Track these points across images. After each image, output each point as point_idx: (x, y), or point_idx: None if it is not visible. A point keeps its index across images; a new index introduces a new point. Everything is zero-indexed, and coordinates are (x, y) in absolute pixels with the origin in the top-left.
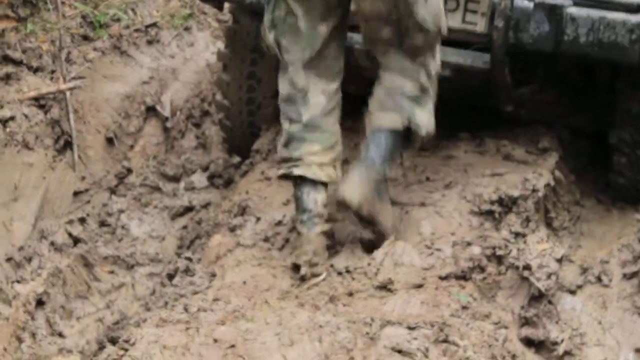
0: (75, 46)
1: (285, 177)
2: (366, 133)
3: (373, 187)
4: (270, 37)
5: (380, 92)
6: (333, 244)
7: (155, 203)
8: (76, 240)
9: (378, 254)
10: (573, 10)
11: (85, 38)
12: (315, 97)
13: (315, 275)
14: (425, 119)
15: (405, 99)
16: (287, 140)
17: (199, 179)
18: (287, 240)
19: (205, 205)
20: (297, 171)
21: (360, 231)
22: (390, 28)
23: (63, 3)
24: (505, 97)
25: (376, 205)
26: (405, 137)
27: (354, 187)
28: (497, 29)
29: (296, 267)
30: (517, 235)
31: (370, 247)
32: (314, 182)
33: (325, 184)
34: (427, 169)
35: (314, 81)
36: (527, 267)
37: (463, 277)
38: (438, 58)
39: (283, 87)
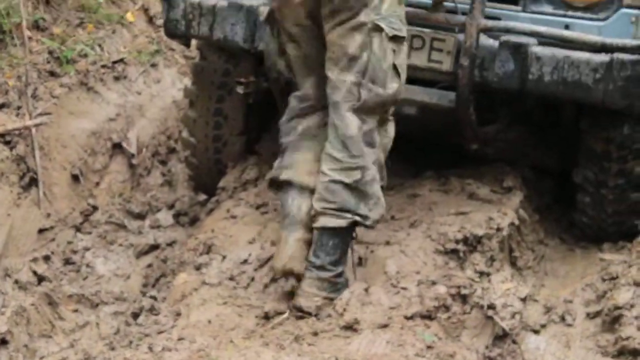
0: (41, 82)
1: (273, 182)
2: (313, 227)
3: (328, 288)
4: (281, 63)
5: (321, 188)
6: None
7: (120, 241)
8: (40, 279)
9: (345, 293)
10: (538, 49)
11: (52, 74)
12: (314, 111)
13: (279, 314)
14: (369, 208)
15: (346, 193)
16: (281, 152)
17: (165, 216)
18: (252, 279)
19: (171, 243)
20: (284, 175)
21: None
22: (355, 72)
23: (30, 38)
24: (470, 135)
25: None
26: (354, 227)
27: (309, 297)
28: (462, 68)
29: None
30: (481, 274)
31: None
32: (301, 188)
33: (312, 191)
34: (392, 208)
35: (318, 98)
36: (491, 307)
37: (428, 316)
38: (390, 133)
39: (292, 104)
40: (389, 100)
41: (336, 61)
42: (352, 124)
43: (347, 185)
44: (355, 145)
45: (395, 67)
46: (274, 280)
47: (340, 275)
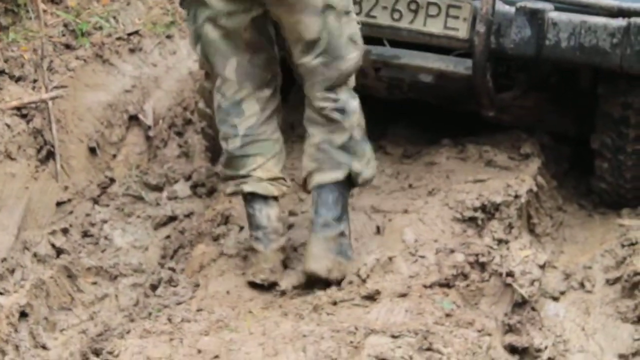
0: (57, 55)
1: (234, 194)
2: (309, 189)
3: (335, 249)
4: (197, 50)
5: (311, 150)
6: (288, 257)
7: (138, 213)
8: (59, 251)
9: (365, 261)
10: (554, 14)
11: (68, 47)
12: (249, 106)
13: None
14: (363, 165)
15: (337, 151)
16: (227, 160)
17: (182, 188)
18: None
19: (189, 215)
20: (247, 188)
21: None
22: (319, 55)
23: (45, 11)
24: (487, 102)
25: (344, 265)
26: (349, 182)
27: (318, 258)
28: (478, 34)
29: (253, 285)
30: (499, 241)
31: None
32: (266, 198)
33: (276, 198)
34: (410, 176)
35: (248, 87)
36: (510, 274)
37: (447, 284)
38: (355, 96)
39: (216, 102)
40: (352, 70)
41: (294, 44)
42: (326, 99)
43: (337, 146)
44: (335, 114)
45: (351, 38)
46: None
47: (343, 234)
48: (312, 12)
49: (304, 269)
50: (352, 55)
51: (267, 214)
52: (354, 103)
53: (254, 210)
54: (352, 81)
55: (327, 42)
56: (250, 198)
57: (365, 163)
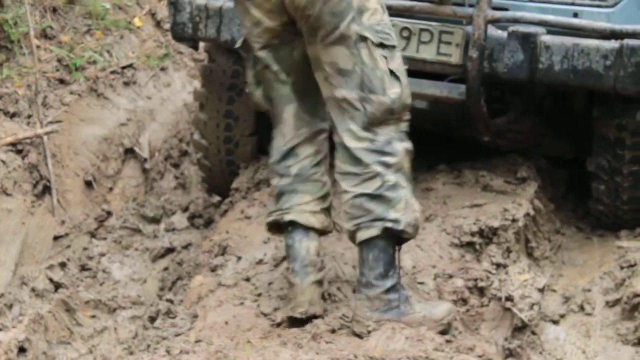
0: (51, 90)
1: (275, 224)
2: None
3: (381, 307)
4: (257, 94)
5: (346, 207)
6: (324, 291)
7: (135, 245)
8: (57, 286)
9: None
10: (547, 38)
11: (62, 82)
12: (304, 149)
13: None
14: (399, 213)
15: (372, 203)
16: (277, 195)
17: (179, 219)
18: (269, 280)
19: (186, 246)
20: (288, 217)
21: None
22: (352, 87)
23: (38, 47)
24: (482, 127)
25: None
26: (391, 236)
27: (361, 323)
28: (471, 60)
29: (293, 320)
30: (498, 266)
31: None
32: (306, 229)
33: (317, 231)
34: None
35: (304, 133)
36: (509, 298)
37: None
38: (405, 139)
39: (274, 142)
40: (396, 107)
41: (328, 79)
42: (362, 139)
43: (370, 196)
44: (369, 157)
45: (392, 72)
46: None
47: (390, 290)
48: (344, 43)
49: (349, 330)
50: (394, 90)
51: (307, 247)
52: (397, 146)
53: (293, 241)
54: (402, 124)
55: (361, 75)
56: (291, 229)
57: (403, 208)
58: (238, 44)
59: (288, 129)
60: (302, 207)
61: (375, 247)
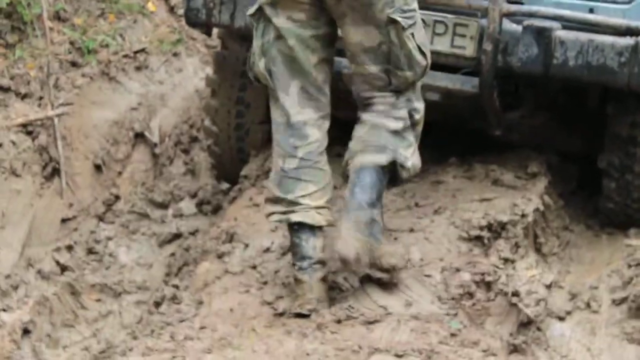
0: (63, 72)
1: (280, 222)
2: (349, 174)
3: (366, 232)
4: (260, 65)
5: (361, 131)
6: (329, 287)
7: (143, 230)
8: (63, 268)
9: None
10: (562, 33)
11: (74, 64)
12: (312, 132)
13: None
14: (409, 153)
15: (388, 135)
16: (280, 179)
17: (187, 205)
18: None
19: (194, 232)
20: (295, 217)
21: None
22: (379, 63)
23: (51, 29)
24: (494, 121)
25: (375, 250)
26: (391, 172)
27: (348, 242)
28: (485, 53)
29: (301, 316)
30: (506, 261)
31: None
32: (313, 228)
33: (322, 228)
34: (416, 195)
35: (310, 113)
36: (516, 294)
37: (453, 304)
38: (421, 99)
39: (276, 118)
40: (418, 78)
41: (354, 56)
42: (387, 104)
43: (389, 130)
44: (396, 111)
45: (418, 48)
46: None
47: (374, 221)
48: (375, 25)
49: (334, 249)
50: (421, 65)
51: (314, 245)
52: (419, 104)
53: (301, 240)
54: (420, 84)
55: (387, 52)
56: (298, 228)
57: (413, 152)
58: (251, 11)
59: (291, 103)
60: (308, 202)
61: (375, 174)
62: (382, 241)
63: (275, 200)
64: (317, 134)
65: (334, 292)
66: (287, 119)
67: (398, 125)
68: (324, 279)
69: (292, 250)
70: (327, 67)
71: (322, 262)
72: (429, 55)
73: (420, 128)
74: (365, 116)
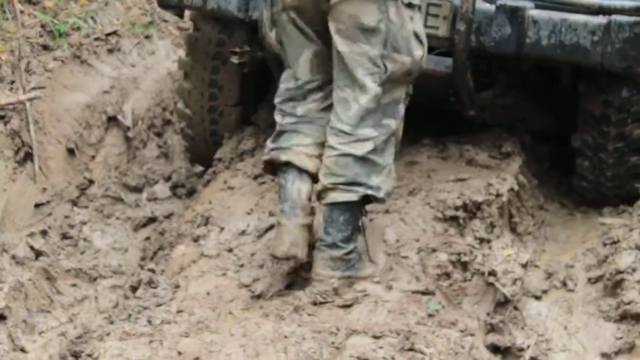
0: (34, 56)
1: (270, 164)
2: (322, 203)
3: (342, 267)
4: (272, 35)
5: (329, 161)
6: (314, 241)
7: (117, 214)
8: (38, 253)
9: None
10: (535, 12)
11: (45, 48)
12: (313, 94)
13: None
14: (382, 178)
15: (356, 165)
16: (277, 133)
17: (162, 189)
18: (251, 251)
19: (168, 216)
20: (284, 157)
21: None
22: (376, 45)
23: (22, 12)
24: (467, 101)
25: (354, 280)
26: (365, 202)
27: (324, 281)
28: (459, 33)
29: (274, 258)
30: (481, 241)
31: None
32: (300, 171)
33: (311, 176)
34: None
35: (319, 80)
36: (492, 273)
37: (430, 284)
38: (401, 107)
39: (285, 84)
40: (415, 68)
41: (348, 33)
42: (372, 97)
43: (357, 158)
44: (373, 117)
45: (416, 34)
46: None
47: (352, 252)
48: (373, 1)
49: (310, 289)
50: (417, 52)
51: (299, 188)
52: (401, 109)
53: (286, 181)
54: (410, 86)
55: (386, 33)
56: (285, 169)
57: (386, 175)
58: None
59: (302, 72)
60: (301, 149)
61: (348, 211)
62: (363, 267)
63: (269, 152)
64: (318, 94)
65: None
66: (295, 86)
67: (365, 148)
68: (304, 227)
69: (278, 193)
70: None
71: (304, 208)
72: (426, 46)
73: (399, 134)
74: (332, 140)
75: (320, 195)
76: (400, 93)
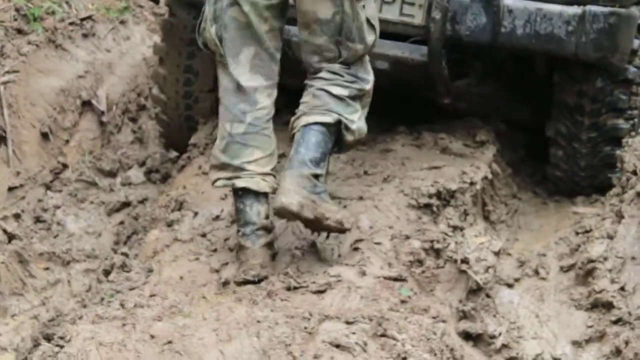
0: (8, 40)
1: (224, 187)
2: (293, 132)
3: (309, 187)
4: (212, 31)
5: (306, 97)
6: (275, 253)
7: (91, 199)
8: (11, 237)
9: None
10: (510, 2)
11: (20, 32)
12: (262, 99)
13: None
14: (355, 117)
15: (332, 100)
16: (226, 144)
17: (136, 174)
18: (225, 236)
19: (142, 201)
20: (240, 183)
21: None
22: (330, 35)
23: None
24: (442, 89)
25: (318, 206)
26: (336, 133)
27: (290, 194)
28: (434, 21)
29: (246, 283)
30: (455, 228)
31: None
32: (257, 194)
33: (266, 195)
34: (365, 163)
35: (260, 81)
36: (465, 261)
37: (403, 271)
38: (370, 71)
39: (225, 84)
40: (367, 52)
41: (306, 26)
42: (334, 76)
43: (334, 95)
44: (344, 75)
45: (368, 21)
46: None
47: (318, 177)
48: None
49: (274, 205)
50: (370, 38)
51: (258, 211)
52: (368, 76)
53: (245, 206)
54: (366, 57)
55: (340, 23)
56: (242, 194)
57: (359, 117)
58: None
59: (241, 70)
60: (253, 168)
61: (321, 134)
62: (326, 200)
63: (221, 167)
64: (266, 101)
65: (283, 258)
66: (236, 84)
67: (343, 92)
68: (268, 246)
69: (236, 216)
70: (278, 35)
71: (266, 229)
72: (378, 28)
73: (368, 99)
74: (311, 83)
75: (293, 125)
76: (358, 66)
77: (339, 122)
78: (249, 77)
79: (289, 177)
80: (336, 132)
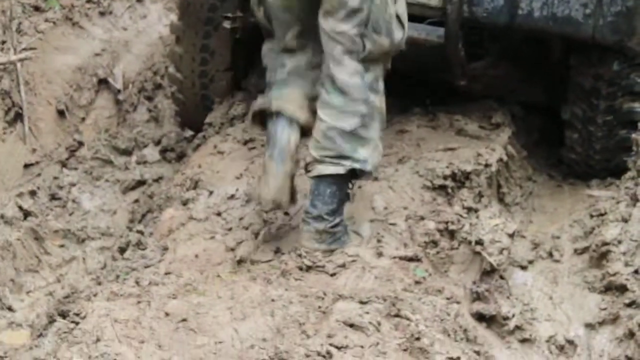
0: (26, 17)
1: (259, 114)
2: (309, 176)
3: (328, 240)
4: (260, 13)
5: (318, 136)
6: (294, 192)
7: (106, 176)
8: (26, 214)
9: None
10: None
11: (37, 9)
12: (302, 53)
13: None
14: (368, 152)
15: (343, 140)
16: (267, 87)
17: (151, 152)
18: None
19: (158, 179)
20: (275, 105)
21: None
22: (356, 24)
23: None
24: (458, 71)
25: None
26: (352, 176)
27: (311, 253)
28: (451, 3)
29: (259, 204)
30: (469, 210)
31: None
32: (291, 120)
33: (300, 127)
34: None
35: (307, 55)
36: (479, 242)
37: (418, 252)
38: (382, 81)
39: (269, 57)
40: (394, 50)
41: (332, 12)
42: (354, 73)
43: (345, 132)
44: (357, 91)
45: (397, 17)
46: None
47: (338, 225)
48: None
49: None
50: (398, 34)
51: (288, 136)
52: (382, 85)
53: (276, 129)
54: (388, 64)
55: (367, 14)
56: (275, 118)
57: (372, 149)
58: None
59: (288, 47)
60: (292, 99)
61: (334, 184)
62: (346, 241)
63: (261, 104)
64: (308, 54)
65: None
66: (283, 61)
67: (354, 122)
68: (290, 177)
69: (266, 140)
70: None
71: (292, 156)
72: (407, 28)
73: (383, 111)
74: (321, 113)
75: (307, 168)
76: (378, 70)
77: (352, 171)
78: (297, 55)
79: (306, 233)
80: (352, 175)
